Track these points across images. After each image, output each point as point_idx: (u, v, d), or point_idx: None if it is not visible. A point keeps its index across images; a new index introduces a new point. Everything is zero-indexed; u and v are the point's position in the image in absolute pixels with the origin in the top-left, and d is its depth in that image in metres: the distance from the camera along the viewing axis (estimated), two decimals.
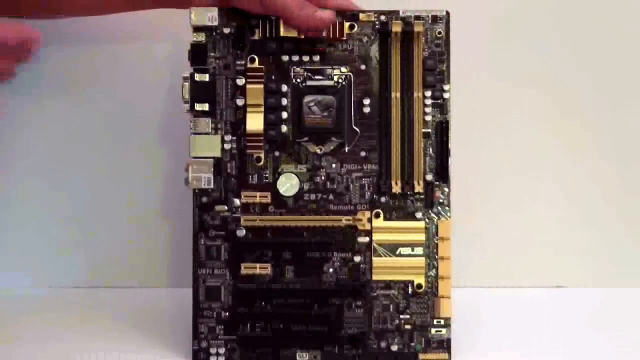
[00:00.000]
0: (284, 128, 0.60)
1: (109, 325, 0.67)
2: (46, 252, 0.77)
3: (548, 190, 0.77)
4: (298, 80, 0.60)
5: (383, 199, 0.60)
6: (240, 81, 0.60)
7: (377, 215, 0.60)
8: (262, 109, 0.59)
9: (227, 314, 0.60)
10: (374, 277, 0.60)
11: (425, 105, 0.60)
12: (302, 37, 0.59)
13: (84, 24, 0.72)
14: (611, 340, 0.64)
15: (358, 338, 0.59)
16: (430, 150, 0.60)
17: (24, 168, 0.77)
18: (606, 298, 0.74)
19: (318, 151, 0.60)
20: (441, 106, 0.60)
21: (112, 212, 0.77)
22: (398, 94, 0.60)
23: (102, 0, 0.65)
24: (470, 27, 0.74)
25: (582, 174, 0.77)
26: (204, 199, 0.60)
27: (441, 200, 0.60)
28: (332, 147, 0.60)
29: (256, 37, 0.60)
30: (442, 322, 0.60)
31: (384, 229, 0.60)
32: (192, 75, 0.59)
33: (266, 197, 0.60)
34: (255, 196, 0.60)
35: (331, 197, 0.60)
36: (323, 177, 0.60)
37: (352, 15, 0.60)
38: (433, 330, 0.60)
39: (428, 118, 0.60)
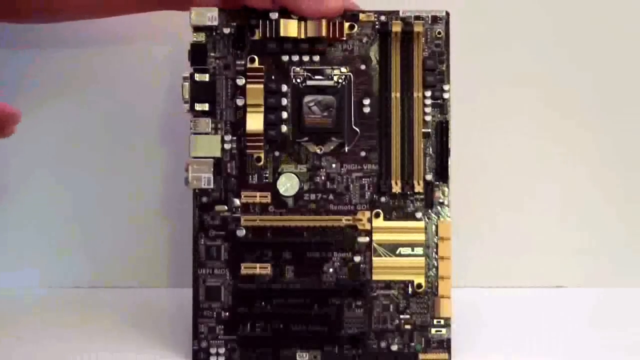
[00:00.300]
0: (284, 128, 0.60)
1: (109, 325, 0.67)
2: (46, 252, 0.77)
3: (548, 190, 0.77)
4: (298, 80, 0.60)
5: (383, 199, 0.60)
6: (240, 81, 0.60)
7: (377, 215, 0.60)
8: (262, 109, 0.59)
9: (227, 314, 0.60)
10: (374, 277, 0.60)
11: (425, 105, 0.60)
12: (302, 37, 0.59)
13: (84, 24, 0.72)
14: (611, 340, 0.64)
15: (358, 338, 0.59)
16: (430, 150, 0.60)
17: (24, 168, 0.77)
18: (606, 298, 0.74)
19: (318, 151, 0.60)
20: (441, 106, 0.60)
21: (113, 212, 0.77)
22: (398, 94, 0.60)
23: (102, 3, 0.65)
24: (470, 27, 0.74)
25: (582, 173, 0.77)
26: (204, 199, 0.60)
27: (441, 200, 0.60)
28: (332, 147, 0.60)
29: (256, 37, 0.60)
30: (442, 322, 0.60)
31: (384, 229, 0.60)
32: (192, 75, 0.59)
33: (266, 197, 0.60)
34: (255, 196, 0.60)
35: (331, 197, 0.60)
36: (323, 177, 0.60)
37: (352, 15, 0.60)
38: (433, 330, 0.60)
39: (428, 118, 0.60)
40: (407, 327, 0.60)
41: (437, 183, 0.60)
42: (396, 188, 0.60)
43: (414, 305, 0.60)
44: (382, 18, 0.60)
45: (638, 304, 0.73)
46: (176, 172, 0.72)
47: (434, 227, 0.60)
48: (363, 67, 0.60)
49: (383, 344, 0.60)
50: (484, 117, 0.77)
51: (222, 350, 0.59)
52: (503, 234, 0.77)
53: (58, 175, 0.77)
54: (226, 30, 0.60)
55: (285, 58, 0.60)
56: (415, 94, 0.60)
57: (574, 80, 0.77)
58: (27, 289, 0.76)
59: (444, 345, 0.60)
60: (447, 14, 0.60)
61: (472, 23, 0.75)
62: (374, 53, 0.60)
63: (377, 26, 0.60)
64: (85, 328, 0.67)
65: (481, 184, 0.77)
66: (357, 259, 0.60)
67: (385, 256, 0.60)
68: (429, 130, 0.60)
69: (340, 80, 0.60)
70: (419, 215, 0.60)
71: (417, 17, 0.60)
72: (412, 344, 0.60)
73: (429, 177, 0.60)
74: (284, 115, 0.60)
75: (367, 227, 0.60)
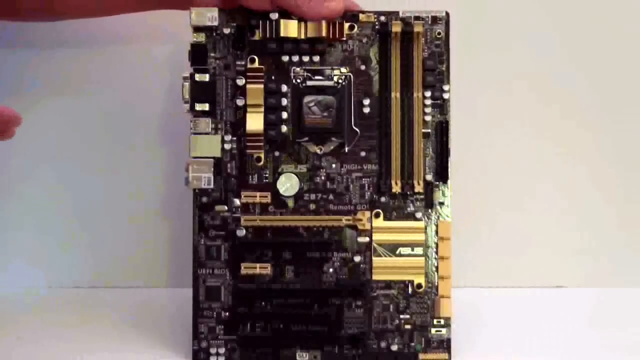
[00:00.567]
0: (284, 128, 0.60)
1: (109, 325, 0.67)
2: (46, 252, 0.77)
3: (548, 190, 0.77)
4: (298, 80, 0.60)
5: (383, 199, 0.60)
6: (240, 81, 0.60)
7: (377, 215, 0.60)
8: (262, 109, 0.60)
9: (227, 314, 0.60)
10: (374, 277, 0.60)
11: (425, 105, 0.60)
12: (302, 37, 0.59)
13: (84, 24, 0.72)
14: (611, 340, 0.64)
15: (358, 338, 0.59)
16: (430, 150, 0.60)
17: (24, 168, 0.77)
18: (606, 298, 0.74)
19: (318, 151, 0.60)
20: (441, 106, 0.60)
21: (113, 212, 0.77)
22: (398, 94, 0.60)
23: (103, 3, 0.66)
24: (470, 28, 0.74)
25: (582, 173, 0.77)
26: (204, 199, 0.60)
27: (441, 200, 0.60)
28: (332, 147, 0.60)
29: (256, 37, 0.60)
30: (442, 322, 0.60)
31: (384, 229, 0.60)
32: (192, 75, 0.59)
33: (266, 197, 0.60)
34: (255, 196, 0.60)
35: (331, 197, 0.60)
36: (323, 177, 0.60)
37: (352, 15, 0.60)
38: (433, 330, 0.60)
39: (428, 118, 0.60)
40: (407, 327, 0.60)
41: (437, 183, 0.60)
42: (396, 188, 0.60)
43: (414, 305, 0.60)
44: (382, 18, 0.60)
45: (638, 304, 0.73)
46: (176, 172, 0.72)
47: (434, 227, 0.60)
48: (363, 67, 0.60)
49: (383, 344, 0.60)
50: (484, 117, 0.77)
51: (222, 350, 0.59)
52: (503, 233, 0.77)
53: (58, 175, 0.77)
54: (226, 31, 0.60)
55: (285, 58, 0.60)
56: (415, 94, 0.60)
57: (574, 81, 0.77)
58: (27, 289, 0.76)
59: (444, 345, 0.60)
60: (447, 14, 0.60)
61: (472, 23, 0.75)
62: (374, 53, 0.60)
63: (377, 26, 0.60)
64: (85, 328, 0.67)
65: (481, 184, 0.77)
66: (357, 259, 0.60)
67: (385, 256, 0.60)
68: (429, 130, 0.60)
69: (340, 81, 0.60)
70: (419, 215, 0.60)
71: (417, 18, 0.60)
72: (412, 344, 0.60)
73: (429, 177, 0.60)
74: (284, 115, 0.60)
75: (367, 227, 0.60)
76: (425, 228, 0.60)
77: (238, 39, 0.60)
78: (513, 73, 0.76)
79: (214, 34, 0.60)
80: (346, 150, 0.60)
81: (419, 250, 0.60)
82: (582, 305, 0.73)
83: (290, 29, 0.59)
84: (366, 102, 0.60)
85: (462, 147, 0.67)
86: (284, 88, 0.60)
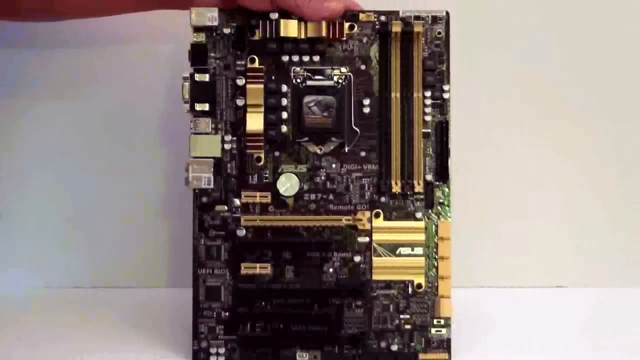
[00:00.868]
0: (284, 128, 0.60)
1: (109, 325, 0.67)
2: (46, 252, 0.77)
3: (548, 190, 0.77)
4: (298, 80, 0.60)
5: (383, 199, 0.60)
6: (241, 81, 0.60)
7: (377, 215, 0.60)
8: (262, 109, 0.59)
9: (227, 314, 0.60)
10: (374, 277, 0.60)
11: (425, 105, 0.60)
12: (302, 37, 0.59)
13: (84, 24, 0.72)
14: (611, 340, 0.64)
15: (358, 338, 0.59)
16: (430, 150, 0.60)
17: (24, 168, 0.77)
18: (606, 298, 0.74)
19: (318, 151, 0.60)
20: (441, 106, 0.60)
21: (113, 212, 0.77)
22: (398, 94, 0.60)
23: (103, 3, 0.66)
24: (471, 28, 0.74)
25: (582, 173, 0.77)
26: (204, 199, 0.60)
27: (441, 200, 0.60)
28: (332, 147, 0.60)
29: (256, 37, 0.60)
30: (442, 322, 0.60)
31: (384, 229, 0.60)
32: (192, 76, 0.59)
33: (266, 197, 0.60)
34: (255, 196, 0.60)
35: (331, 197, 0.60)
36: (323, 177, 0.60)
37: (352, 15, 0.60)
38: (433, 330, 0.60)
39: (428, 118, 0.60)
40: (407, 327, 0.60)
41: (437, 183, 0.60)
42: (396, 188, 0.60)
43: (414, 305, 0.60)
44: (382, 18, 0.60)
45: (638, 304, 0.73)
46: (176, 172, 0.72)
47: (434, 227, 0.60)
48: (363, 67, 0.60)
49: (383, 344, 0.60)
50: (484, 117, 0.77)
51: (222, 350, 0.59)
52: (503, 233, 0.77)
53: (58, 175, 0.77)
54: (226, 31, 0.60)
55: (285, 58, 0.60)
56: (415, 94, 0.60)
57: (574, 81, 0.77)
58: (27, 289, 0.76)
59: (444, 345, 0.60)
60: (447, 14, 0.60)
61: (472, 23, 0.75)
62: (374, 53, 0.60)
63: (377, 26, 0.60)
64: (85, 328, 0.67)
65: (481, 184, 0.77)
66: (357, 259, 0.60)
67: (385, 256, 0.60)
68: (429, 130, 0.60)
69: (340, 81, 0.60)
70: (419, 215, 0.60)
71: (417, 17, 0.60)
72: (412, 344, 0.60)
73: (429, 177, 0.60)
74: (284, 115, 0.60)
75: (367, 227, 0.60)
76: (425, 228, 0.60)
77: (238, 39, 0.60)
78: (513, 73, 0.76)
79: (214, 34, 0.60)
80: (346, 150, 0.60)
81: (419, 250, 0.60)
82: (582, 305, 0.73)
83: (290, 29, 0.59)
84: (366, 102, 0.60)
85: (462, 147, 0.67)
86: (284, 88, 0.60)
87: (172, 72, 0.75)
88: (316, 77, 0.60)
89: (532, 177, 0.77)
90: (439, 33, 0.60)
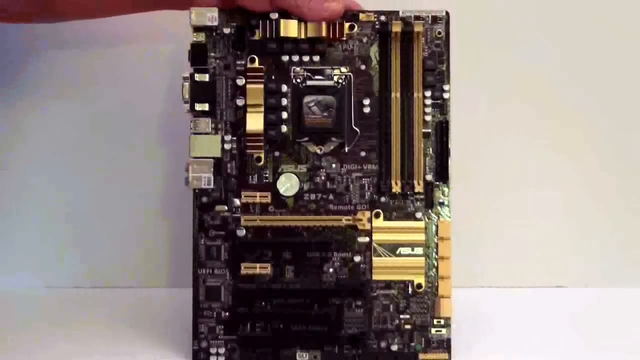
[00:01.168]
0: (284, 128, 0.60)
1: (108, 325, 0.67)
2: (46, 252, 0.77)
3: (548, 190, 0.77)
4: (298, 80, 0.60)
5: (383, 199, 0.60)
6: (240, 81, 0.60)
7: (377, 215, 0.60)
8: (262, 109, 0.59)
9: (227, 314, 0.60)
10: (374, 277, 0.60)
11: (425, 105, 0.60)
12: (302, 37, 0.59)
13: (84, 24, 0.72)
14: (611, 340, 0.64)
15: (358, 338, 0.59)
16: (430, 150, 0.60)
17: (24, 168, 0.77)
18: (606, 298, 0.74)
19: (318, 151, 0.60)
20: (441, 106, 0.60)
21: (112, 212, 0.77)
22: (398, 94, 0.60)
23: (103, 3, 0.66)
24: (471, 28, 0.74)
25: (582, 173, 0.77)
26: (204, 199, 0.60)
27: (441, 200, 0.60)
28: (332, 147, 0.60)
29: (256, 37, 0.60)
30: (442, 322, 0.60)
31: (384, 229, 0.60)
32: (192, 75, 0.59)
33: (266, 197, 0.60)
34: (255, 196, 0.60)
35: (331, 197, 0.60)
36: (323, 177, 0.60)
37: (352, 15, 0.60)
38: (433, 330, 0.60)
39: (428, 118, 0.60)
40: (407, 327, 0.60)
41: (437, 183, 0.60)
42: (396, 188, 0.60)
43: (414, 305, 0.60)
44: (382, 18, 0.60)
45: (638, 304, 0.73)
46: (176, 172, 0.72)
47: (434, 227, 0.60)
48: (363, 67, 0.60)
49: (383, 344, 0.60)
50: (484, 117, 0.77)
51: (222, 350, 0.59)
52: (503, 234, 0.77)
53: (58, 175, 0.77)
54: (226, 30, 0.60)
55: (285, 58, 0.60)
56: (415, 94, 0.60)
57: (574, 81, 0.77)
58: (27, 289, 0.76)
59: (444, 345, 0.60)
60: (447, 14, 0.60)
61: (472, 23, 0.75)
62: (374, 53, 0.60)
63: (377, 26, 0.60)
64: (85, 328, 0.67)
65: (481, 184, 0.77)
66: (357, 259, 0.60)
67: (385, 256, 0.60)
68: (429, 130, 0.60)
69: (340, 80, 0.60)
70: (419, 215, 0.60)
71: (417, 17, 0.60)
72: (412, 344, 0.60)
73: (429, 177, 0.60)
74: (284, 115, 0.60)
75: (367, 227, 0.60)
76: (425, 228, 0.60)
77: (238, 39, 0.60)
78: (513, 73, 0.76)
79: (214, 34, 0.60)
80: (346, 150, 0.60)
81: (419, 250, 0.60)
82: (582, 305, 0.73)
83: (290, 28, 0.59)
84: (366, 102, 0.60)
85: (462, 147, 0.67)
86: (284, 88, 0.60)
87: (172, 72, 0.75)
88: (316, 77, 0.60)
89: (532, 177, 0.77)
90: (439, 33, 0.60)
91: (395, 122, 0.60)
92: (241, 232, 0.59)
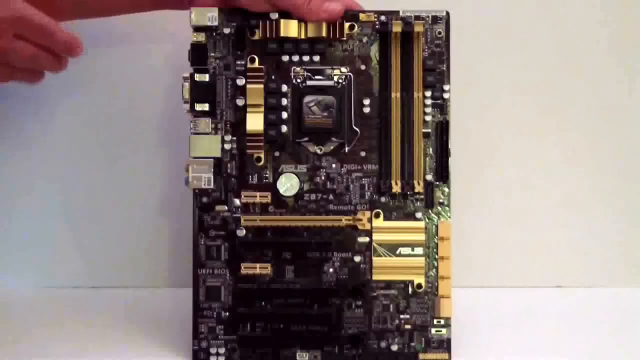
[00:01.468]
0: (284, 128, 0.60)
1: (109, 325, 0.67)
2: (46, 252, 0.77)
3: (548, 190, 0.77)
4: (298, 80, 0.60)
5: (383, 199, 0.60)
6: (241, 81, 0.60)
7: (377, 215, 0.60)
8: (262, 109, 0.59)
9: (227, 314, 0.60)
10: (374, 277, 0.60)
11: (425, 105, 0.60)
12: (302, 37, 0.59)
13: (84, 24, 0.72)
14: (611, 340, 0.64)
15: (358, 338, 0.59)
16: (430, 150, 0.60)
17: (24, 168, 0.77)
18: (606, 298, 0.74)
19: (318, 151, 0.60)
20: (441, 106, 0.60)
21: (113, 212, 0.77)
22: (398, 94, 0.60)
23: (102, 4, 0.65)
24: (471, 28, 0.74)
25: (583, 173, 0.77)
26: (204, 199, 0.60)
27: (441, 200, 0.60)
28: (332, 147, 0.60)
29: (256, 37, 0.60)
30: (442, 322, 0.60)
31: (384, 229, 0.60)
32: (192, 76, 0.59)
33: (266, 197, 0.60)
34: (255, 196, 0.60)
35: (331, 197, 0.60)
36: (323, 177, 0.60)
37: (352, 15, 0.60)
38: (433, 330, 0.60)
39: (428, 118, 0.60)
40: (407, 327, 0.60)
41: (437, 183, 0.60)
42: (396, 188, 0.60)
43: (414, 305, 0.60)
44: (382, 18, 0.60)
45: (638, 304, 0.73)
46: (176, 172, 0.72)
47: (434, 227, 0.60)
48: (363, 67, 0.60)
49: (383, 344, 0.60)
50: (484, 117, 0.77)
51: (222, 350, 0.59)
52: (503, 233, 0.77)
53: (58, 175, 0.77)
54: (226, 30, 0.60)
55: (285, 58, 0.60)
56: (415, 94, 0.60)
57: (574, 81, 0.77)
58: (27, 289, 0.76)
59: (444, 345, 0.60)
60: (447, 14, 0.60)
61: (472, 23, 0.75)
62: (374, 53, 0.60)
63: (377, 26, 0.60)
64: (85, 328, 0.67)
65: (481, 184, 0.77)
66: (357, 259, 0.60)
67: (385, 256, 0.60)
68: (429, 130, 0.60)
69: (340, 80, 0.60)
70: (419, 215, 0.60)
71: (417, 17, 0.60)
72: (412, 344, 0.60)
73: (429, 177, 0.60)
74: (284, 115, 0.60)
75: (367, 227, 0.60)
76: (425, 228, 0.60)
77: (238, 39, 0.60)
78: (513, 73, 0.76)
79: (214, 34, 0.60)
80: (346, 150, 0.60)
81: (419, 250, 0.60)
82: (582, 305, 0.73)
83: (290, 28, 0.59)
84: (366, 102, 0.60)
85: (462, 147, 0.67)
86: (284, 88, 0.60)
87: (172, 72, 0.75)
88: (316, 77, 0.60)
89: (532, 177, 0.77)
90: (439, 33, 0.60)
91: (395, 122, 0.60)
92: (241, 232, 0.59)
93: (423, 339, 0.60)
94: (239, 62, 0.60)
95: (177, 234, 0.77)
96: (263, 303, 0.59)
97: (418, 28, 0.59)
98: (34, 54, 0.60)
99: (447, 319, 0.60)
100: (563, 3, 0.76)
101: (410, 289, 0.60)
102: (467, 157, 0.74)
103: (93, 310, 0.71)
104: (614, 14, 0.76)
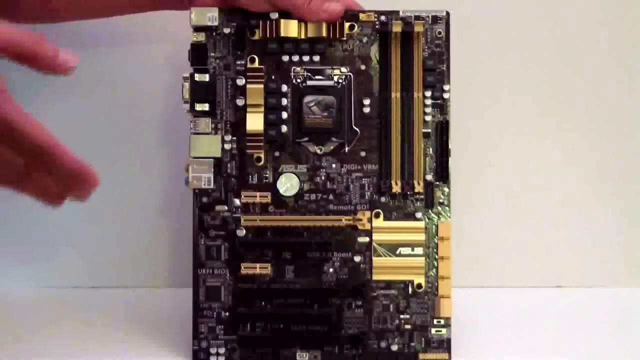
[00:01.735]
0: (284, 128, 0.60)
1: (109, 325, 0.67)
2: (47, 252, 0.77)
3: (548, 190, 0.77)
4: (298, 80, 0.60)
5: (383, 199, 0.60)
6: (241, 81, 0.60)
7: (377, 215, 0.60)
8: (262, 109, 0.59)
9: (227, 314, 0.60)
10: (374, 277, 0.60)
11: (425, 105, 0.60)
12: (303, 37, 0.59)
13: (84, 24, 0.72)
14: (611, 340, 0.64)
15: (358, 338, 0.59)
16: (430, 150, 0.60)
17: None
18: (606, 298, 0.74)
19: (318, 151, 0.60)
20: (441, 106, 0.60)
21: (113, 212, 0.77)
22: (398, 94, 0.60)
23: (101, 4, 0.66)
24: (471, 28, 0.74)
25: (582, 173, 0.77)
26: (204, 199, 0.60)
27: (441, 200, 0.60)
28: (332, 147, 0.60)
29: (256, 37, 0.60)
30: (442, 322, 0.60)
31: (384, 229, 0.60)
32: (192, 75, 0.59)
33: (266, 197, 0.60)
34: (255, 196, 0.60)
35: (331, 197, 0.60)
36: (323, 177, 0.60)
37: (352, 15, 0.60)
38: (433, 330, 0.60)
39: (428, 118, 0.60)
40: (407, 327, 0.60)
41: (437, 183, 0.60)
42: (396, 188, 0.60)
43: (414, 305, 0.60)
44: (382, 18, 0.60)
45: (638, 304, 0.73)
46: (176, 172, 0.72)
47: (434, 227, 0.60)
48: (363, 67, 0.60)
49: (383, 344, 0.60)
50: (485, 117, 0.77)
51: (222, 350, 0.59)
52: (503, 233, 0.77)
53: None
54: (226, 30, 0.60)
55: (285, 58, 0.60)
56: (415, 94, 0.60)
57: (574, 81, 0.77)
58: (27, 289, 0.76)
59: (444, 345, 0.60)
60: (448, 14, 0.60)
61: (472, 23, 0.75)
62: (374, 53, 0.60)
63: (377, 26, 0.60)
64: (85, 328, 0.67)
65: (481, 184, 0.77)
66: (357, 259, 0.60)
67: (385, 256, 0.60)
68: (429, 130, 0.60)
69: (340, 80, 0.60)
70: (419, 215, 0.60)
71: (417, 17, 0.60)
72: (412, 344, 0.60)
73: (429, 177, 0.60)
74: (284, 115, 0.60)
75: (367, 227, 0.60)
76: (425, 228, 0.60)
77: (238, 39, 0.60)
78: (513, 73, 0.76)
79: (214, 34, 0.60)
80: (346, 150, 0.60)
81: (419, 250, 0.60)
82: (582, 305, 0.73)
83: (290, 28, 0.59)
84: (366, 102, 0.60)
85: (462, 147, 0.67)
86: (284, 88, 0.60)
87: (172, 72, 0.75)
88: (316, 77, 0.60)
89: (532, 176, 0.77)
90: (439, 33, 0.60)
91: (395, 122, 0.60)
92: (241, 232, 0.59)
93: (423, 339, 0.60)
94: (239, 62, 0.60)
95: (177, 234, 0.77)
96: (263, 303, 0.59)
97: (418, 28, 0.59)
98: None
99: (447, 319, 0.60)
100: (563, 3, 0.76)
101: (410, 289, 0.60)
102: (467, 157, 0.74)
103: (93, 310, 0.71)
104: (614, 14, 0.76)
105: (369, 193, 0.60)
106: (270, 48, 0.59)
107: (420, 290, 0.60)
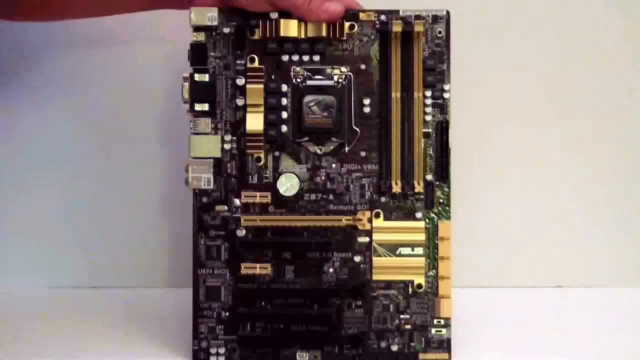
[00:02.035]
0: (284, 128, 0.60)
1: (109, 325, 0.67)
2: (46, 252, 0.77)
3: (548, 190, 0.77)
4: (298, 80, 0.60)
5: (383, 199, 0.60)
6: (240, 81, 0.60)
7: (377, 215, 0.60)
8: (262, 109, 0.59)
9: (227, 314, 0.60)
10: (374, 277, 0.60)
11: (425, 105, 0.60)
12: (302, 37, 0.59)
13: (84, 24, 0.72)
14: (611, 340, 0.64)
15: (358, 338, 0.59)
16: (430, 150, 0.60)
17: (24, 168, 0.77)
18: (606, 298, 0.74)
19: (318, 151, 0.60)
20: (441, 106, 0.60)
21: (112, 212, 0.77)
22: (398, 94, 0.60)
23: (100, 3, 0.65)
24: (471, 28, 0.74)
25: (583, 173, 0.77)
26: (204, 199, 0.60)
27: (441, 200, 0.60)
28: (332, 147, 0.60)
29: (256, 37, 0.60)
30: (442, 322, 0.60)
31: (384, 229, 0.60)
32: (192, 75, 0.59)
33: (266, 197, 0.60)
34: (255, 196, 0.60)
35: (331, 197, 0.60)
36: (323, 177, 0.60)
37: (352, 14, 0.60)
38: (433, 330, 0.60)
39: (428, 118, 0.60)
40: (407, 327, 0.60)
41: (437, 183, 0.60)
42: (396, 188, 0.60)
43: (414, 305, 0.60)
44: (383, 17, 0.60)
45: (638, 304, 0.73)
46: (176, 172, 0.72)
47: (434, 227, 0.60)
48: (363, 66, 0.60)
49: (383, 344, 0.60)
50: (485, 117, 0.77)
51: (222, 350, 0.59)
52: (503, 233, 0.77)
53: (58, 175, 0.77)
54: (226, 30, 0.60)
55: (285, 58, 0.60)
56: (415, 94, 0.60)
57: (574, 81, 0.77)
58: (27, 289, 0.76)
59: (444, 345, 0.60)
60: (448, 13, 0.60)
61: (472, 23, 0.75)
62: (374, 53, 0.60)
63: (377, 26, 0.60)
64: (86, 328, 0.67)
65: (481, 184, 0.77)
66: (357, 259, 0.60)
67: (385, 256, 0.60)
68: (429, 130, 0.60)
69: (340, 80, 0.60)
70: (419, 215, 0.60)
71: (418, 17, 0.60)
72: (412, 344, 0.60)
73: (429, 176, 0.60)
74: (284, 115, 0.60)
75: (367, 227, 0.60)
76: (425, 228, 0.60)
77: (238, 39, 0.60)
78: (513, 72, 0.76)
79: (214, 34, 0.60)
80: (346, 150, 0.60)
81: (419, 250, 0.60)
82: (582, 305, 0.73)
83: (290, 28, 0.59)
84: (366, 101, 0.60)
85: (462, 147, 0.67)
86: (284, 88, 0.60)
87: (172, 72, 0.75)
88: (316, 76, 0.60)
89: (532, 177, 0.77)
90: (440, 32, 0.60)
91: (395, 122, 0.60)
92: (241, 232, 0.59)
93: (423, 339, 0.60)
94: (238, 62, 0.60)
95: (177, 234, 0.77)
96: (263, 303, 0.59)
97: (418, 27, 0.59)
98: None
99: (447, 319, 0.60)
100: (563, 3, 0.76)
101: (410, 289, 0.60)
102: (467, 157, 0.74)
103: (93, 310, 0.71)
104: (614, 14, 0.76)
105: (369, 193, 0.60)
106: (270, 48, 0.59)
107: (420, 290, 0.60)
